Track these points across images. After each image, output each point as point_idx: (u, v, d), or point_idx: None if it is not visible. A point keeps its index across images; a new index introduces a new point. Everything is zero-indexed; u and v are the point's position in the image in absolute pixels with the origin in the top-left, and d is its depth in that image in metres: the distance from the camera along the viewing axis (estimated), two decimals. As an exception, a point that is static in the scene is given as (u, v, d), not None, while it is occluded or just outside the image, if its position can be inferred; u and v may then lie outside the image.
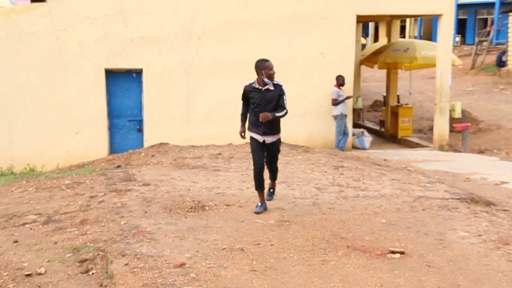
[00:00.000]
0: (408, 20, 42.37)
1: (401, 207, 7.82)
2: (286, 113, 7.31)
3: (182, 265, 5.52)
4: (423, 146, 15.45)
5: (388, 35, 19.00)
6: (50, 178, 10.52)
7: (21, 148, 13.22)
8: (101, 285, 5.38)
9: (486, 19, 39.31)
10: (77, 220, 7.24)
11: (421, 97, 23.90)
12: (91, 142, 13.45)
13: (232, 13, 13.75)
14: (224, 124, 13.53)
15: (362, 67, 20.81)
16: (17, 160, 13.10)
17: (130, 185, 9.07)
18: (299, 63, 14.01)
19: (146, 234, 6.50)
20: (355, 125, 16.57)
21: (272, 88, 7.26)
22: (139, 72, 13.70)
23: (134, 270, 5.41)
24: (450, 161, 12.82)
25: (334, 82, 13.90)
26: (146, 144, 13.57)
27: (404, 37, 39.73)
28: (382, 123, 18.29)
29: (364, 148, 15.00)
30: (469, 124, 16.47)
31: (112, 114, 13.73)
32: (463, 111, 16.28)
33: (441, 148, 14.67)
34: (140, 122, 13.85)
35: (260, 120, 7.17)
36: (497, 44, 32.66)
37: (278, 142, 7.56)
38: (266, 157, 7.51)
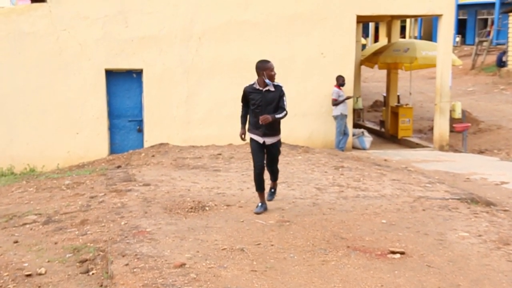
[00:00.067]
0: (408, 20, 42.37)
1: (401, 207, 7.82)
2: (286, 114, 7.30)
3: (182, 265, 5.52)
4: (423, 146, 15.44)
5: (388, 35, 19.00)
6: (50, 178, 10.52)
7: (21, 148, 13.22)
8: (101, 285, 5.38)
9: (486, 19, 39.31)
10: (77, 221, 7.24)
11: (421, 97, 23.90)
12: (91, 142, 13.45)
13: (232, 13, 13.75)
14: (224, 124, 13.53)
15: (362, 67, 20.81)
16: (17, 160, 13.10)
17: (130, 185, 9.07)
18: (299, 63, 14.01)
19: (146, 234, 6.50)
20: (355, 125, 16.57)
21: (272, 89, 7.26)
22: (139, 72, 13.70)
23: (134, 270, 5.41)
24: (450, 161, 12.82)
25: (334, 82, 13.90)
26: (146, 144, 13.58)
27: (404, 37, 39.73)
28: (382, 123, 18.28)
29: (364, 148, 15.00)
30: (469, 124, 16.46)
31: (112, 114, 13.73)
32: (463, 111, 16.28)
33: (441, 148, 14.67)
34: (140, 122, 13.85)
35: (260, 123, 7.15)
36: (497, 44, 32.66)
37: (278, 143, 7.55)
38: (266, 158, 7.50)
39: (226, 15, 13.72)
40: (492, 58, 29.85)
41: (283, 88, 7.33)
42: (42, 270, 5.68)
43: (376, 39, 41.75)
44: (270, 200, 7.77)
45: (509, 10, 27.77)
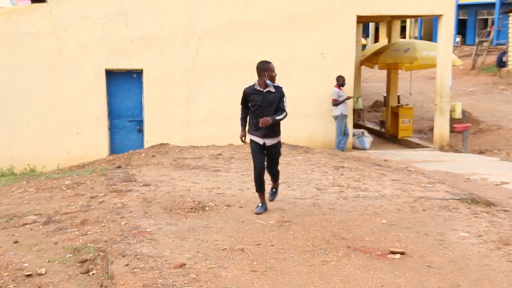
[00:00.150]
0: (408, 20, 42.37)
1: (401, 208, 7.82)
2: (286, 115, 7.30)
3: (182, 265, 5.52)
4: (423, 147, 15.45)
5: (389, 35, 19.00)
6: (51, 178, 10.52)
7: (21, 149, 13.22)
8: (101, 286, 5.38)
9: (486, 20, 39.31)
10: (77, 221, 7.24)
11: (421, 97, 23.90)
12: (91, 143, 13.45)
13: (232, 13, 13.75)
14: (224, 125, 13.53)
15: (363, 67, 20.82)
16: (18, 160, 13.11)
17: (130, 185, 9.07)
18: (299, 63, 14.01)
19: (146, 234, 6.50)
20: (356, 126, 16.57)
21: (273, 90, 7.25)
22: (139, 73, 13.71)
23: (135, 270, 5.41)
24: (450, 162, 12.82)
25: (335, 83, 13.90)
26: (147, 144, 13.58)
27: (404, 37, 39.73)
28: (383, 124, 18.29)
29: (364, 149, 15.00)
30: (470, 124, 16.46)
31: (112, 114, 13.73)
32: (463, 112, 16.28)
33: (441, 148, 14.67)
34: (140, 122, 13.86)
35: (260, 125, 7.14)
36: (498, 44, 32.65)
37: (278, 145, 7.52)
38: (266, 160, 7.48)
39: (226, 16, 13.72)
40: (492, 58, 29.85)
41: (283, 89, 7.33)
42: (42, 270, 5.68)
43: (376, 39, 41.78)
44: (271, 200, 7.76)
45: (509, 10, 27.77)
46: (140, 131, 13.85)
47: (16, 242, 6.60)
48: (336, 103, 13.84)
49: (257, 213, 7.39)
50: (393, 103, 17.94)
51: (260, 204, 7.53)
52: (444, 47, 14.62)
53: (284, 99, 7.31)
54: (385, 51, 17.53)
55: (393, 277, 5.44)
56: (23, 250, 6.33)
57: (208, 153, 12.03)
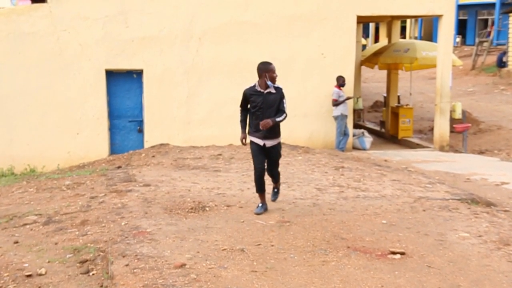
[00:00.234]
0: (408, 20, 42.37)
1: (401, 208, 7.82)
2: (285, 117, 7.29)
3: (182, 265, 5.52)
4: (423, 147, 15.44)
5: (389, 35, 19.00)
6: (51, 178, 10.53)
7: (21, 149, 13.22)
8: (101, 286, 5.38)
9: (486, 20, 39.31)
10: (77, 221, 7.24)
11: (421, 97, 23.91)
12: (91, 143, 13.45)
13: (232, 13, 13.75)
14: (224, 125, 13.53)
15: (363, 67, 20.82)
16: (18, 160, 13.11)
17: (130, 185, 9.07)
18: (299, 63, 14.01)
19: (146, 234, 6.50)
20: (356, 126, 16.57)
21: (273, 91, 7.24)
22: (139, 73, 13.71)
23: (135, 270, 5.41)
24: (450, 162, 12.82)
25: (335, 83, 13.90)
26: (147, 144, 13.58)
27: (404, 37, 39.73)
28: (383, 124, 18.29)
29: (364, 149, 15.00)
30: (470, 124, 16.47)
31: (112, 114, 13.73)
32: (463, 112, 16.28)
33: (441, 148, 14.67)
34: (140, 122, 13.86)
35: (261, 128, 7.13)
36: (498, 44, 32.65)
37: (278, 146, 7.51)
38: (267, 162, 7.46)
39: (226, 16, 13.72)
40: (492, 59, 29.85)
41: (283, 90, 7.33)
42: (43, 271, 5.69)
43: (376, 40, 41.77)
44: (274, 200, 7.74)
45: (510, 11, 27.77)
46: (140, 131, 13.85)
47: (16, 242, 6.60)
48: (336, 103, 13.84)
49: (257, 214, 7.38)
50: (393, 103, 17.94)
51: (260, 205, 7.53)
52: (444, 47, 14.62)
53: (284, 100, 7.31)
54: (385, 51, 17.53)
55: (393, 277, 5.44)
56: (23, 250, 6.33)
57: (208, 153, 12.03)
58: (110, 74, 13.56)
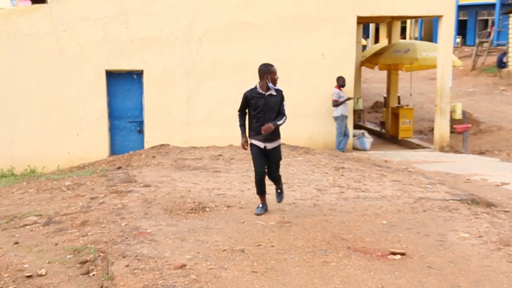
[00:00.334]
0: (408, 21, 42.37)
1: (401, 208, 7.82)
2: (285, 119, 7.29)
3: (182, 266, 5.52)
4: (423, 147, 15.44)
5: (389, 36, 19.00)
6: (51, 179, 10.53)
7: (21, 149, 13.22)
8: (101, 287, 5.39)
9: (486, 20, 39.32)
10: (77, 222, 7.24)
11: (421, 98, 23.90)
12: (91, 144, 13.45)
13: (233, 14, 13.76)
14: (224, 125, 13.53)
15: (363, 68, 20.81)
16: (18, 161, 13.11)
17: (130, 186, 9.07)
18: (299, 64, 14.01)
19: (146, 235, 6.50)
20: (356, 126, 16.58)
21: (274, 93, 7.22)
22: (139, 73, 13.71)
23: (135, 271, 5.41)
24: (450, 162, 12.82)
25: (335, 83, 13.90)
26: (147, 145, 13.58)
27: (404, 38, 39.74)
28: (383, 124, 18.28)
29: (364, 149, 15.00)
30: (470, 125, 16.46)
31: (112, 115, 13.73)
32: (463, 112, 16.28)
33: (441, 149, 14.67)
34: (140, 123, 13.86)
35: (263, 132, 7.11)
36: (498, 45, 32.64)
37: (279, 148, 7.50)
38: (268, 166, 7.42)
39: (227, 16, 13.73)
40: (492, 59, 29.85)
41: (283, 93, 7.32)
42: (43, 271, 5.69)
43: (376, 40, 41.76)
44: (279, 201, 7.69)
45: (510, 11, 27.77)
46: (141, 132, 13.85)
47: (16, 243, 6.60)
48: (336, 103, 13.84)
49: (258, 214, 7.38)
50: (393, 103, 17.94)
51: (260, 205, 7.52)
52: (444, 48, 14.62)
53: (284, 103, 7.31)
54: (385, 51, 17.53)
55: (393, 278, 5.44)
56: (24, 251, 6.33)
57: (208, 154, 12.03)
58: (110, 75, 13.57)
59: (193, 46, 13.68)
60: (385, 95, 19.06)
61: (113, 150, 13.69)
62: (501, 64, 28.06)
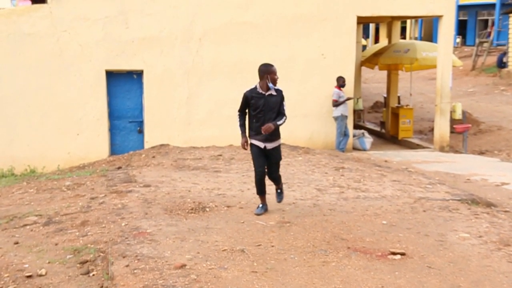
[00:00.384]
0: (408, 21, 42.37)
1: (401, 208, 7.82)
2: (285, 119, 7.30)
3: (182, 266, 5.52)
4: (423, 147, 15.44)
5: (389, 36, 19.00)
6: (51, 179, 10.53)
7: (21, 149, 13.22)
8: (101, 287, 5.39)
9: (486, 20, 39.32)
10: (77, 222, 7.24)
11: (421, 98, 23.90)
12: (91, 144, 13.45)
13: (233, 14, 13.76)
14: (224, 125, 13.53)
15: (363, 68, 20.81)
16: (18, 161, 13.11)
17: (130, 186, 9.07)
18: (299, 64, 14.01)
19: (146, 235, 6.50)
20: (356, 126, 16.57)
21: (274, 93, 7.23)
22: (139, 73, 13.71)
23: (135, 271, 5.41)
24: (450, 162, 12.82)
25: (335, 83, 13.90)
26: (147, 145, 13.58)
27: (404, 38, 39.73)
28: (383, 124, 18.28)
29: (364, 149, 15.00)
30: (470, 125, 16.46)
31: (112, 115, 13.73)
32: (463, 112, 16.28)
33: (441, 149, 14.67)
34: (140, 123, 13.86)
35: (263, 132, 7.11)
36: (498, 45, 32.64)
37: (279, 148, 7.50)
38: (268, 166, 7.41)
39: (227, 16, 13.73)
40: (492, 59, 29.85)
41: (283, 93, 7.32)
42: (43, 271, 5.69)
43: (376, 40, 41.76)
44: (279, 201, 7.69)
45: (510, 11, 27.77)
46: (141, 132, 13.85)
47: (16, 243, 6.60)
48: (336, 104, 13.84)
49: (258, 214, 7.38)
50: (393, 103, 17.94)
51: (260, 205, 7.52)
52: (444, 48, 14.62)
53: (284, 103, 7.31)
54: (385, 51, 17.53)
55: (393, 278, 5.44)
56: (24, 251, 6.33)
57: (208, 154, 12.03)
58: (110, 75, 13.57)
59: (193, 46, 13.68)
60: (385, 95, 19.06)
61: (113, 150, 13.69)
62: (501, 64, 28.06)
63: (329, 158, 11.74)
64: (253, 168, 7.55)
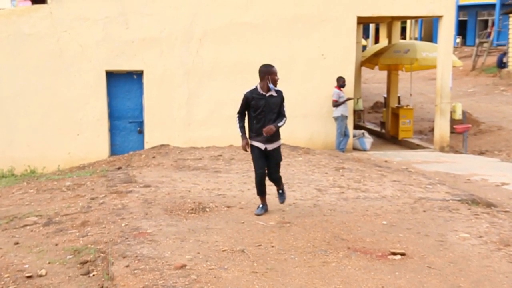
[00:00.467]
0: (408, 21, 42.35)
1: (402, 209, 7.82)
2: (285, 121, 7.31)
3: (183, 266, 5.52)
4: (423, 148, 15.44)
5: (389, 36, 19.00)
6: (51, 179, 10.53)
7: (21, 150, 13.22)
8: (102, 287, 5.39)
9: (486, 21, 39.32)
10: (78, 222, 7.24)
11: (421, 98, 23.90)
12: (92, 144, 13.46)
13: (233, 15, 13.76)
14: (225, 126, 13.52)
15: (363, 68, 20.82)
16: (18, 161, 13.11)
17: (131, 186, 9.07)
18: (299, 64, 14.02)
19: (147, 235, 6.50)
20: (356, 127, 16.57)
21: (275, 94, 7.22)
22: (139, 74, 13.71)
23: (135, 271, 5.41)
24: (451, 163, 12.82)
25: (335, 84, 13.90)
26: (147, 145, 13.57)
27: (404, 38, 39.73)
28: (383, 125, 18.28)
29: (364, 150, 15.00)
30: (470, 125, 16.46)
31: (112, 115, 13.74)
32: (463, 112, 16.28)
33: (441, 149, 14.67)
34: (140, 123, 13.86)
35: (265, 134, 7.10)
36: (498, 45, 32.65)
37: (279, 148, 7.49)
38: (268, 167, 7.39)
39: (227, 17, 13.73)
40: (492, 59, 29.85)
41: (283, 94, 7.32)
42: (43, 272, 5.69)
43: (376, 40, 41.74)
44: (282, 202, 7.65)
45: (510, 11, 27.77)
46: (141, 132, 13.85)
47: (16, 243, 6.60)
48: (336, 104, 13.84)
49: (258, 214, 7.38)
50: (393, 104, 17.94)
51: (260, 205, 7.52)
52: (445, 48, 14.62)
53: (284, 104, 7.31)
54: (386, 52, 17.53)
55: (393, 278, 5.44)
56: (24, 251, 6.33)
57: (208, 154, 12.03)
58: (111, 75, 13.57)
59: (193, 46, 13.69)
60: (385, 95, 19.05)
61: (113, 151, 13.69)
62: (501, 64, 28.06)
63: (329, 159, 11.74)
64: (253, 169, 7.54)
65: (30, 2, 15.78)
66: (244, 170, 10.35)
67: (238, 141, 7.75)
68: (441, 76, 14.66)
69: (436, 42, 17.81)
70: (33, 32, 13.12)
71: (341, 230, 6.82)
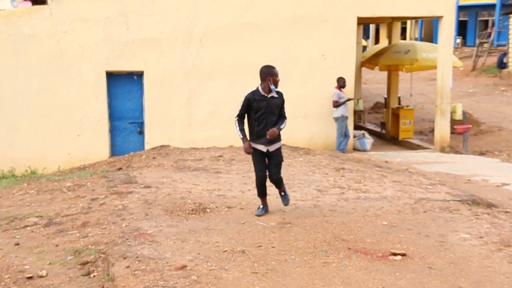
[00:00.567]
0: (409, 22, 42.33)
1: (402, 209, 7.82)
2: (286, 122, 7.32)
3: (183, 267, 5.52)
4: (424, 148, 15.44)
5: (389, 37, 19.01)
6: (51, 180, 10.53)
7: (22, 151, 13.23)
8: (102, 288, 5.39)
9: (487, 21, 39.33)
10: (78, 223, 7.24)
11: (422, 99, 23.90)
12: (92, 145, 13.46)
13: (233, 15, 13.76)
14: (225, 126, 13.49)
15: (363, 69, 20.82)
16: (18, 162, 13.11)
17: (131, 187, 9.07)
18: (300, 65, 14.02)
19: (147, 236, 6.50)
20: (356, 127, 16.57)
21: (276, 95, 7.22)
22: (140, 74, 13.71)
23: (136, 272, 5.40)
24: (451, 163, 12.82)
25: (335, 84, 13.90)
26: (147, 146, 13.57)
27: (404, 39, 39.72)
28: (383, 125, 18.28)
29: (365, 150, 15.00)
30: (470, 125, 16.46)
31: (113, 116, 13.74)
32: (464, 113, 16.28)
33: (442, 150, 14.67)
34: (141, 124, 13.86)
35: (269, 137, 7.09)
36: (498, 45, 32.66)
37: (280, 149, 7.47)
38: (269, 168, 7.37)
39: (227, 17, 13.73)
40: (492, 60, 29.86)
41: (283, 95, 7.32)
42: (43, 273, 5.69)
43: (376, 41, 41.73)
44: (286, 204, 7.57)
45: (510, 12, 27.77)
46: (141, 133, 13.85)
47: (17, 244, 6.60)
48: (336, 104, 13.84)
49: (258, 215, 7.38)
50: (393, 104, 17.94)
51: (261, 206, 7.52)
52: (445, 49, 14.62)
53: (284, 105, 7.31)
54: (386, 52, 17.53)
55: (394, 278, 5.44)
56: (24, 252, 6.33)
57: (209, 155, 12.03)
58: (111, 76, 13.57)
59: (193, 47, 13.69)
60: (386, 96, 19.05)
61: (114, 151, 13.70)
62: (502, 65, 28.06)
63: (330, 159, 11.74)
64: (253, 169, 7.54)
65: (30, 3, 15.78)
66: (245, 170, 10.35)
67: (238, 141, 7.75)
68: (441, 76, 14.66)
69: (436, 42, 17.81)
70: (33, 33, 13.13)
71: (341, 230, 6.82)
